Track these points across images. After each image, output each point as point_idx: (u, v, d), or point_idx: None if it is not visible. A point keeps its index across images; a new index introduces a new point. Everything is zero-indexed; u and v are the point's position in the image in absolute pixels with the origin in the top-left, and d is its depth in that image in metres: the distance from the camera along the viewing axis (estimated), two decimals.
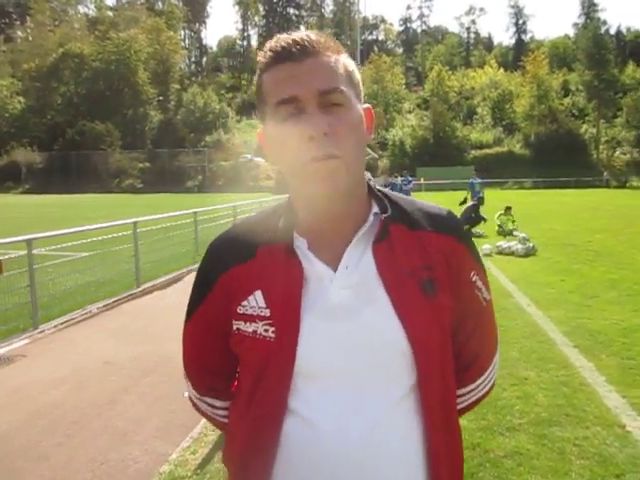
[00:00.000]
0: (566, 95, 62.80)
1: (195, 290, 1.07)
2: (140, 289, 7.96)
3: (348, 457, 0.89)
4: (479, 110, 62.83)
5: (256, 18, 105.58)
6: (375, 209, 0.97)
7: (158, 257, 9.47)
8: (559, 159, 50.52)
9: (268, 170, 58.65)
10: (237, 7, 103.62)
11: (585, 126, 57.57)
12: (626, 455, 3.04)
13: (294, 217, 0.97)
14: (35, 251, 6.39)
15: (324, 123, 0.86)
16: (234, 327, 0.97)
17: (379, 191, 1.02)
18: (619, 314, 5.97)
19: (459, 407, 1.09)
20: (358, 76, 0.98)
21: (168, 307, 6.94)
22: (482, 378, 1.13)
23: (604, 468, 2.92)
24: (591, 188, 43.25)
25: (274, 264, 0.95)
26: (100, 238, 8.30)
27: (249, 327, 0.94)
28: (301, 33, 0.93)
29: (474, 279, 1.02)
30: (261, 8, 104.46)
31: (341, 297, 0.92)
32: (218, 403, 1.11)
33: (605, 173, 49.35)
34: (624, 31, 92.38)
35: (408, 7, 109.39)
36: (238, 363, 1.03)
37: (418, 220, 0.99)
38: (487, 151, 55.28)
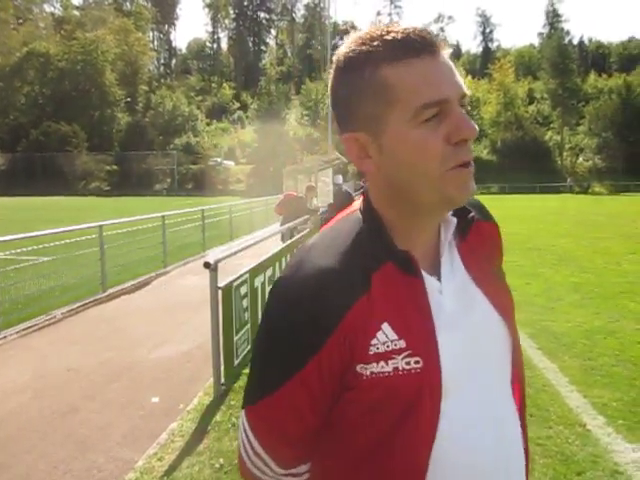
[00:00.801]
0: (531, 103, 64.45)
1: (293, 346, 0.83)
2: (106, 294, 7.82)
3: (490, 464, 0.87)
4: None
5: (226, 21, 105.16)
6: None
7: (125, 261, 9.31)
8: (525, 165, 51.79)
9: (238, 174, 58.40)
10: (207, 9, 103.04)
11: (550, 133, 59.16)
12: (587, 453, 3.12)
13: (387, 233, 0.87)
14: None
15: (472, 126, 0.81)
16: (366, 372, 0.82)
17: None
18: (582, 317, 6.13)
19: None
20: None
21: (135, 312, 6.83)
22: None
23: (566, 466, 2.99)
24: (555, 194, 44.40)
25: (394, 288, 0.85)
26: (65, 242, 8.12)
27: (387, 367, 0.82)
28: (416, 25, 0.82)
29: (502, 267, 1.06)
30: (231, 11, 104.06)
31: (452, 306, 0.88)
32: (304, 468, 0.94)
33: (569, 179, 50.73)
34: (586, 42, 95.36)
35: (378, 13, 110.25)
36: (333, 413, 0.87)
37: (474, 212, 0.96)
38: None
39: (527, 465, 0.95)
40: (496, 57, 76.73)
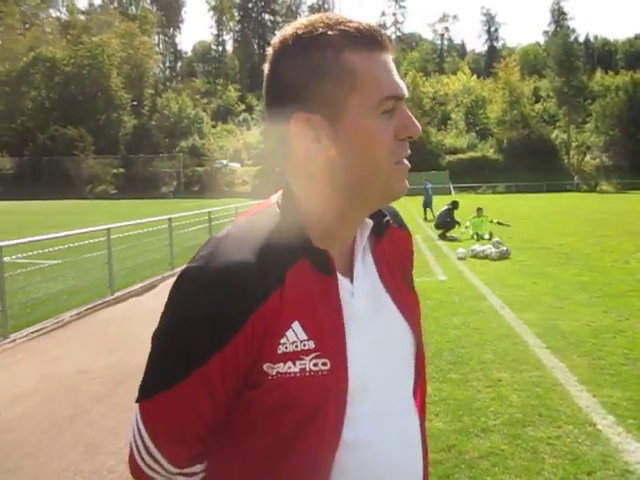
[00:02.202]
0: (537, 101, 64.16)
1: (196, 342, 0.78)
2: (114, 297, 7.85)
3: (393, 467, 0.87)
4: (453, 116, 63.77)
5: (231, 23, 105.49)
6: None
7: (132, 264, 9.35)
8: (531, 164, 51.53)
9: (244, 175, 58.50)
10: (212, 12, 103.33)
11: (556, 131, 58.87)
12: (597, 453, 3.10)
13: (305, 228, 0.84)
14: (5, 259, 6.25)
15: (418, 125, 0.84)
16: (272, 372, 0.78)
17: None
18: (590, 315, 6.10)
19: None
20: None
21: (143, 314, 6.85)
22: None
23: (576, 466, 2.98)
24: (562, 192, 44.17)
25: (306, 286, 0.81)
26: (73, 245, 8.16)
27: (294, 367, 0.78)
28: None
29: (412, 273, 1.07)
30: (236, 14, 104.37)
31: (362, 308, 0.87)
32: (199, 468, 0.90)
33: (575, 177, 50.46)
34: (592, 39, 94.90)
35: (382, 14, 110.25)
36: (236, 411, 0.84)
37: (389, 219, 0.98)
38: (461, 156, 56.10)
39: (426, 465, 0.96)
40: (501, 56, 76.50)
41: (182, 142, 62.27)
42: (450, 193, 42.41)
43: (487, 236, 12.97)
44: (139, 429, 0.88)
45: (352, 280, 0.88)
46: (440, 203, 16.51)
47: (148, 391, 0.85)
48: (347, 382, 0.81)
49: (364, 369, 0.85)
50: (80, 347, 5.60)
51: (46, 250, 7.60)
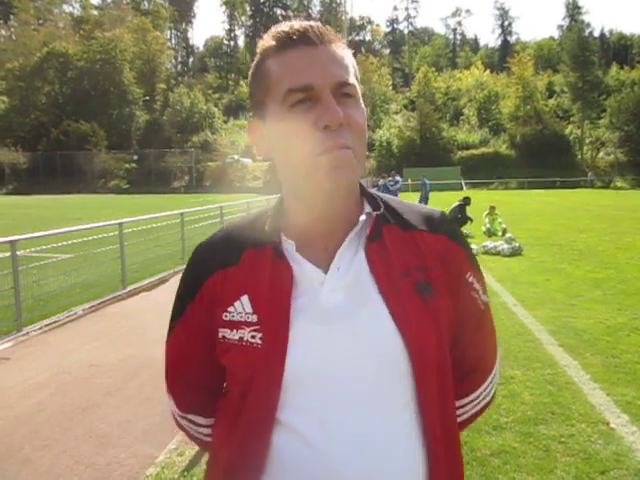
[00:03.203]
0: (551, 96, 63.50)
1: (178, 298, 1.00)
2: (126, 291, 7.90)
3: (341, 470, 0.82)
4: (465, 111, 63.30)
5: (243, 18, 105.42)
6: (367, 209, 0.93)
7: (144, 258, 9.40)
8: (544, 160, 51.03)
9: (255, 171, 58.57)
10: (224, 7, 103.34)
11: (570, 127, 58.17)
12: (610, 452, 3.07)
13: (282, 219, 0.93)
14: (19, 252, 6.31)
15: (341, 113, 0.82)
16: (219, 335, 0.90)
17: (370, 192, 0.98)
18: (603, 313, 6.03)
19: (460, 419, 1.03)
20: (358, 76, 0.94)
21: (154, 309, 6.89)
22: (482, 387, 1.06)
23: (589, 465, 2.95)
24: (576, 188, 43.73)
25: (261, 268, 0.90)
26: (85, 239, 8.22)
27: (235, 334, 0.88)
28: (309, 22, 0.88)
29: (470, 280, 0.98)
30: (248, 8, 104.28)
31: (333, 300, 0.87)
32: (201, 420, 1.04)
33: (589, 174, 49.88)
34: (607, 33, 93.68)
35: (395, 8, 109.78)
36: (225, 377, 0.96)
37: (410, 220, 0.95)
38: (473, 152, 55.67)
39: None
40: (515, 50, 75.71)
41: (194, 137, 62.42)
42: (462, 189, 42.15)
43: (500, 233, 12.88)
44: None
45: (327, 272, 0.89)
46: (452, 199, 16.40)
47: (169, 327, 1.04)
48: (283, 362, 0.84)
49: (315, 358, 0.84)
50: (92, 341, 5.65)
51: (59, 244, 7.66)
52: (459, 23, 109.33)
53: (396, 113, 65.57)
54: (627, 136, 53.37)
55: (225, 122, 70.81)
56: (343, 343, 0.85)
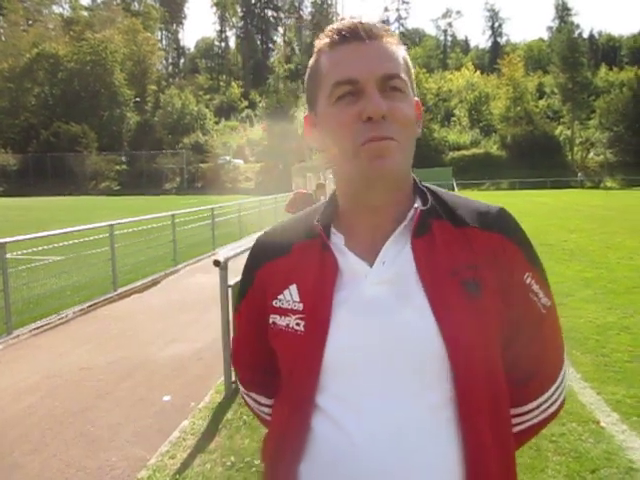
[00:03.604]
0: (541, 97, 63.92)
1: (241, 282, 1.09)
2: (117, 293, 7.86)
3: (375, 460, 0.83)
4: (456, 112, 63.56)
5: (234, 19, 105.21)
6: (417, 203, 0.92)
7: (136, 260, 9.36)
8: (535, 160, 51.37)
9: (247, 172, 58.47)
10: (215, 8, 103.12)
11: (560, 128, 58.59)
12: (600, 450, 3.09)
13: (333, 213, 0.97)
14: (9, 255, 6.26)
15: (383, 106, 0.84)
16: (270, 320, 0.96)
17: (424, 187, 0.97)
18: (594, 312, 6.07)
19: (518, 429, 1.00)
20: (412, 70, 0.96)
21: (146, 311, 6.87)
22: (545, 396, 1.01)
23: (579, 464, 2.96)
24: (566, 189, 44.03)
25: (309, 259, 0.94)
26: (76, 241, 8.17)
27: (283, 320, 0.94)
28: (364, 18, 0.91)
29: (528, 281, 0.94)
30: (239, 9, 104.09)
31: (375, 293, 0.88)
32: (263, 400, 1.10)
33: (579, 174, 50.24)
34: (596, 35, 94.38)
35: (386, 9, 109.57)
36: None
37: (463, 216, 0.93)
38: (464, 152, 55.93)
39: None
40: (505, 52, 76.15)
41: (185, 138, 62.24)
42: (454, 190, 42.33)
43: None
44: None
45: (372, 265, 0.90)
46: None
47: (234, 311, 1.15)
48: (322, 350, 0.87)
49: (353, 347, 0.87)
50: (83, 343, 5.61)
51: (49, 246, 7.61)
52: (450, 24, 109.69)
53: None
54: (616, 137, 53.84)
55: (216, 123, 70.67)
56: (381, 336, 0.86)
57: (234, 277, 4.37)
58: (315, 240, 0.95)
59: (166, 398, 4.14)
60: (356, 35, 0.88)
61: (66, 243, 7.97)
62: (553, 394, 1.01)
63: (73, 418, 3.83)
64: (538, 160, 51.33)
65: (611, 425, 3.40)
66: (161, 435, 3.51)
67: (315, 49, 0.95)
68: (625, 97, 53.95)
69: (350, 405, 0.86)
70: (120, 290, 7.97)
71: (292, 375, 0.93)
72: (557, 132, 57.75)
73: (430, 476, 0.83)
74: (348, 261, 0.91)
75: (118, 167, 58.88)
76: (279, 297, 0.95)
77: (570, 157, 56.14)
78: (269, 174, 52.26)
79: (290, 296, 0.94)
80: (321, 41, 0.93)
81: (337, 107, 0.88)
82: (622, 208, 21.93)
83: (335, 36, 0.90)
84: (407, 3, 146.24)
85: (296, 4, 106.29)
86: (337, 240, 0.94)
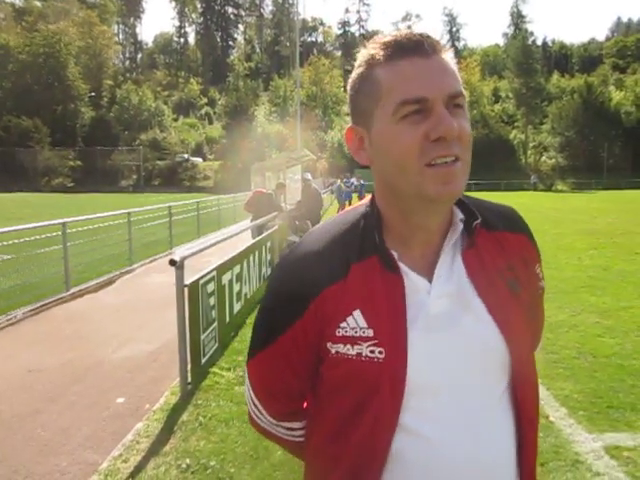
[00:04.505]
0: (496, 101, 65.64)
1: (275, 317, 0.96)
2: (70, 293, 7.63)
3: (461, 471, 0.88)
4: None
5: (193, 15, 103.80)
6: (460, 215, 0.95)
7: (90, 259, 9.11)
8: (490, 163, 52.62)
9: (206, 170, 57.78)
10: (174, 3, 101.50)
11: (514, 132, 60.33)
12: (549, 444, 3.19)
13: (381, 228, 0.93)
14: None
15: (456, 125, 0.83)
16: (332, 350, 0.91)
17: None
18: (546, 311, 6.24)
19: None
20: None
21: (100, 311, 6.69)
22: (535, 352, 1.16)
23: None
24: (520, 191, 45.30)
25: (370, 281, 0.90)
26: (27, 239, 7.89)
27: (351, 350, 0.89)
28: (420, 31, 0.88)
29: (537, 271, 1.05)
30: (199, 5, 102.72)
31: (440, 307, 0.90)
32: (297, 425, 1.07)
33: (532, 177, 51.82)
34: (550, 43, 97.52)
35: (347, 10, 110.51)
36: (317, 382, 0.98)
37: (493, 221, 0.99)
38: None
39: (527, 471, 0.96)
40: (462, 56, 77.78)
41: (142, 135, 61.05)
42: None
43: None
44: (247, 385, 1.07)
45: (431, 280, 0.91)
46: None
47: (250, 354, 1.02)
48: (405, 373, 0.87)
49: (433, 365, 0.89)
50: (34, 345, 5.43)
51: None
52: (409, 27, 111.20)
53: (348, 115, 66.02)
54: (567, 141, 55.85)
55: (175, 120, 69.61)
56: (453, 347, 0.89)
57: (190, 277, 4.31)
58: (372, 258, 0.91)
59: (120, 400, 4.05)
60: (420, 49, 0.85)
61: (16, 241, 7.68)
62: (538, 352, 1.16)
63: (22, 422, 3.69)
64: (493, 163, 52.64)
65: (559, 419, 3.52)
66: (114, 438, 3.43)
67: (364, 59, 0.90)
68: (575, 103, 55.99)
69: (429, 417, 0.89)
70: (73, 290, 7.74)
71: (369, 401, 0.88)
72: (511, 136, 59.44)
73: (498, 460, 0.92)
74: (410, 279, 0.91)
75: (72, 163, 57.23)
76: (341, 325, 0.90)
77: (524, 160, 57.87)
78: (228, 172, 51.80)
79: (355, 323, 0.89)
80: (374, 51, 0.89)
81: (402, 126, 0.85)
82: (572, 210, 22.74)
83: (394, 49, 0.86)
84: (368, 5, 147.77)
85: (257, 2, 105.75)
86: (395, 258, 0.92)
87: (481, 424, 0.90)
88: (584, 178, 49.67)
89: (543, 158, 58.10)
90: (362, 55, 0.91)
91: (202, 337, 4.44)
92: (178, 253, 4.42)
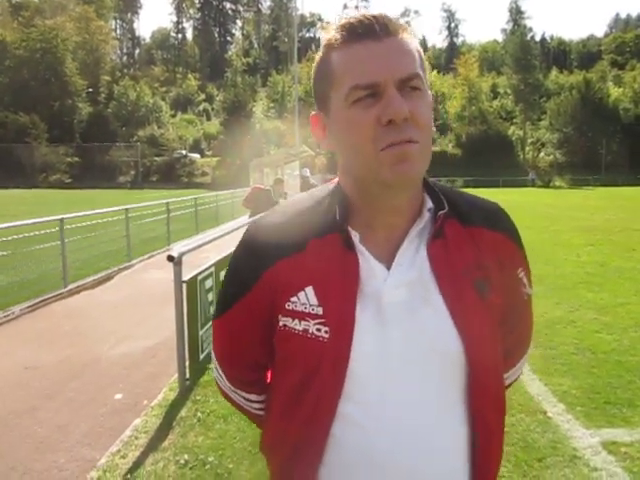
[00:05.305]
0: (495, 98, 65.60)
1: (232, 284, 0.98)
2: (67, 289, 7.61)
3: (398, 461, 0.85)
4: None
5: (191, 11, 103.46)
6: (429, 204, 0.92)
7: (88, 255, 9.09)
8: (488, 159, 52.71)
9: (204, 166, 57.69)
10: None
11: (513, 128, 60.31)
12: (547, 440, 3.20)
13: (348, 208, 0.90)
14: None
15: (405, 108, 0.81)
16: (280, 323, 0.90)
17: (433, 184, 0.97)
18: (543, 307, 6.27)
19: None
20: (426, 63, 0.92)
21: (98, 307, 6.68)
22: (520, 363, 1.14)
23: (527, 453, 3.06)
24: (518, 187, 45.32)
25: (327, 258, 0.88)
26: (24, 235, 7.87)
27: (299, 325, 0.88)
28: (375, 11, 0.86)
29: (520, 275, 1.00)
30: (196, 1, 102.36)
31: (395, 296, 0.87)
32: (253, 397, 1.07)
33: (531, 173, 51.84)
34: (548, 38, 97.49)
35: (345, 6, 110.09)
36: (275, 355, 0.96)
37: (470, 215, 0.95)
38: None
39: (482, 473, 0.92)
40: (461, 52, 77.76)
41: (140, 131, 60.89)
42: None
43: None
44: (213, 344, 1.08)
45: (389, 267, 0.88)
46: None
47: (214, 314, 1.04)
48: (348, 357, 0.85)
49: (377, 354, 0.86)
50: (32, 341, 5.42)
51: None
52: (408, 23, 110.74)
53: None
54: (565, 138, 55.84)
55: (173, 116, 69.41)
56: (403, 341, 0.86)
57: (188, 273, 4.31)
58: (332, 236, 0.89)
59: (118, 396, 4.04)
60: (371, 32, 0.83)
61: (15, 237, 7.66)
62: (518, 369, 1.14)
63: (19, 419, 3.69)
64: (491, 159, 52.71)
65: (557, 415, 3.52)
66: (112, 435, 3.43)
67: (323, 43, 0.89)
68: (574, 99, 55.97)
69: (372, 409, 0.86)
70: (71, 286, 7.73)
71: (312, 381, 0.87)
72: (510, 132, 59.42)
73: (446, 471, 0.88)
74: (368, 263, 0.88)
75: (69, 159, 57.07)
76: (292, 299, 0.89)
77: (522, 157, 57.88)
78: (226, 169, 51.75)
79: (306, 299, 0.88)
80: (330, 36, 0.87)
81: (354, 110, 0.83)
82: (570, 207, 22.75)
83: (348, 32, 0.84)
84: (366, 1, 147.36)
85: None
86: (354, 238, 0.89)
87: (428, 431, 0.87)
88: (582, 174, 49.70)
89: (541, 154, 58.12)
90: (322, 39, 0.90)
91: (200, 333, 4.43)
92: (176, 249, 4.40)
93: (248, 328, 0.97)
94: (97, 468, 3.04)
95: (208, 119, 71.14)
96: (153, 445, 3.25)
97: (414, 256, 0.89)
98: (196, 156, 59.82)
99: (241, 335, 0.98)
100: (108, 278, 8.54)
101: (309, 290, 0.88)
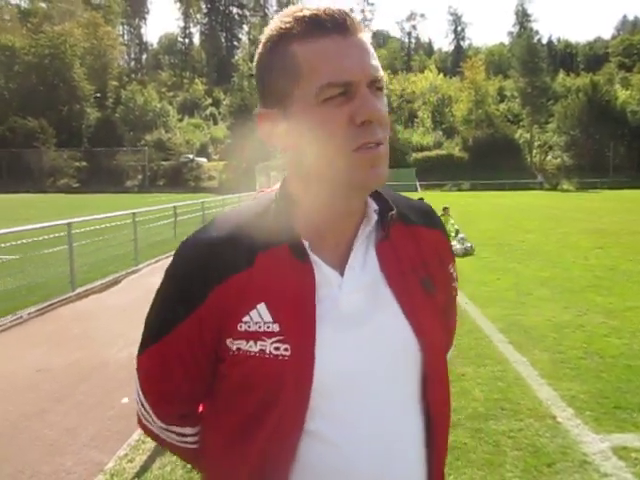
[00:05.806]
0: (502, 101, 65.47)
1: (170, 307, 0.86)
2: (75, 293, 7.65)
3: (369, 471, 0.83)
4: (420, 114, 64.49)
5: (198, 16, 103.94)
6: (374, 205, 0.90)
7: (95, 259, 9.14)
8: (495, 162, 52.55)
9: (211, 170, 57.87)
10: (178, 4, 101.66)
11: (520, 131, 60.13)
12: (556, 445, 3.18)
13: (294, 215, 0.85)
14: None
15: (380, 108, 0.79)
16: (233, 347, 0.82)
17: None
18: (551, 310, 6.24)
19: None
20: None
21: (105, 311, 6.71)
22: (448, 357, 1.11)
23: (536, 458, 3.04)
24: (525, 190, 45.15)
25: (277, 271, 0.83)
26: (33, 240, 7.92)
27: (254, 346, 0.81)
28: (336, 7, 0.81)
29: (452, 271, 1.02)
30: (203, 6, 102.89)
31: (352, 303, 0.85)
32: (189, 430, 0.96)
33: (538, 176, 51.64)
34: (555, 41, 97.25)
35: (351, 10, 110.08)
36: (218, 384, 0.88)
37: (410, 215, 0.95)
38: (428, 153, 56.80)
39: (437, 470, 0.93)
40: (467, 55, 77.70)
41: (147, 136, 61.18)
42: (417, 190, 42.87)
43: (453, 234, 13.16)
44: (136, 383, 0.96)
45: (342, 273, 0.86)
46: None
47: (139, 348, 0.92)
48: (312, 373, 0.80)
49: (341, 364, 0.83)
50: (40, 345, 5.44)
51: (5, 244, 7.35)
52: (414, 27, 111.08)
53: None
54: (572, 141, 55.59)
55: (180, 121, 69.69)
56: (365, 346, 0.85)
57: None
58: (281, 247, 0.83)
59: (125, 400, 4.05)
60: (341, 28, 0.79)
61: (22, 241, 7.72)
62: (452, 352, 1.13)
63: (28, 422, 3.70)
64: (498, 162, 52.55)
65: (566, 420, 3.50)
66: (119, 438, 3.44)
67: (275, 33, 0.82)
68: (581, 102, 55.72)
69: (338, 421, 0.83)
70: (79, 290, 7.77)
71: (274, 403, 0.81)
72: (517, 135, 59.25)
73: (409, 473, 0.88)
74: (321, 271, 0.84)
75: (77, 164, 57.43)
76: (244, 319, 0.81)
77: (529, 160, 57.67)
78: (233, 173, 51.85)
79: (260, 317, 0.81)
80: (287, 25, 0.80)
81: (325, 108, 0.78)
82: (577, 209, 22.64)
83: (314, 25, 0.79)
84: (372, 5, 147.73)
85: (261, 2, 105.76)
86: (306, 248, 0.84)
87: (393, 432, 0.86)
88: (589, 177, 49.44)
89: (548, 157, 57.90)
90: (273, 29, 0.82)
91: None
92: None
93: (188, 356, 0.86)
94: (104, 472, 3.04)
95: (215, 123, 71.38)
96: (160, 449, 3.24)
97: (364, 259, 0.88)
98: (203, 160, 60.02)
99: (179, 365, 0.87)
100: (116, 282, 8.57)
101: (261, 307, 0.82)
